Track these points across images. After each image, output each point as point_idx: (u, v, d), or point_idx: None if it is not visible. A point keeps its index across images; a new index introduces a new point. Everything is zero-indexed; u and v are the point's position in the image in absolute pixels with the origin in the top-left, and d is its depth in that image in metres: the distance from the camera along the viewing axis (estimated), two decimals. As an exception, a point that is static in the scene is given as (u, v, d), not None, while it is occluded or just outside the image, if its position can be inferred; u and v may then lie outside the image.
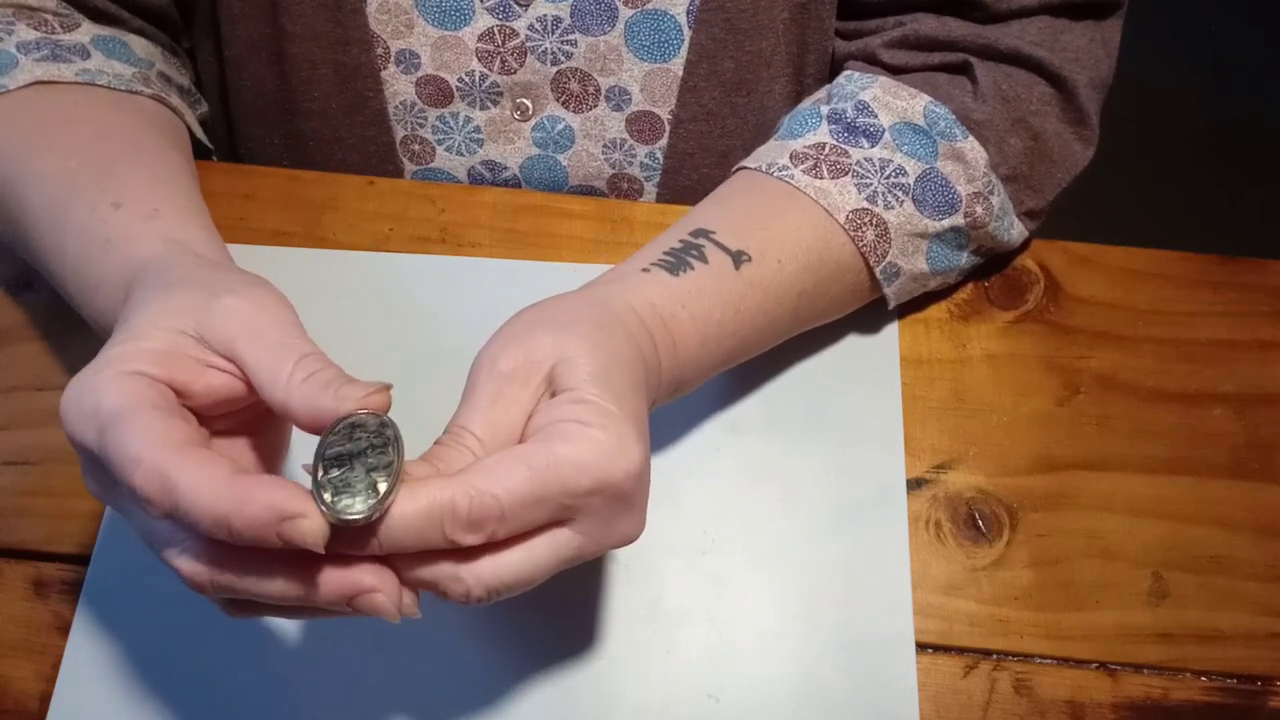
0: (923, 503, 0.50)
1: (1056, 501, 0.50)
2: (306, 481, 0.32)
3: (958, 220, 0.50)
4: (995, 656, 0.46)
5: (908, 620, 0.47)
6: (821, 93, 0.54)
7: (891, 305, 0.51)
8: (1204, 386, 0.53)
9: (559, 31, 0.56)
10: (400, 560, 0.33)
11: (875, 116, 0.50)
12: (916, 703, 0.45)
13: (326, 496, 0.31)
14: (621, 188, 0.62)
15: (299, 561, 0.32)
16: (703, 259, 0.45)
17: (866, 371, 0.52)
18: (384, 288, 0.54)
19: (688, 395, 0.46)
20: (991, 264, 0.55)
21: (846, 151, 0.49)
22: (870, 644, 0.46)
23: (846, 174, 0.49)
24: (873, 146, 0.49)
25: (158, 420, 0.32)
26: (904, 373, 0.53)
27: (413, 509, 0.32)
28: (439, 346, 0.53)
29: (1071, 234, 0.57)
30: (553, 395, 0.36)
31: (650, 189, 0.62)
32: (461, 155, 0.61)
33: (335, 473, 0.32)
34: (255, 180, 0.58)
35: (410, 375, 0.51)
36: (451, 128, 0.60)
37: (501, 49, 0.57)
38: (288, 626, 0.47)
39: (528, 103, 0.59)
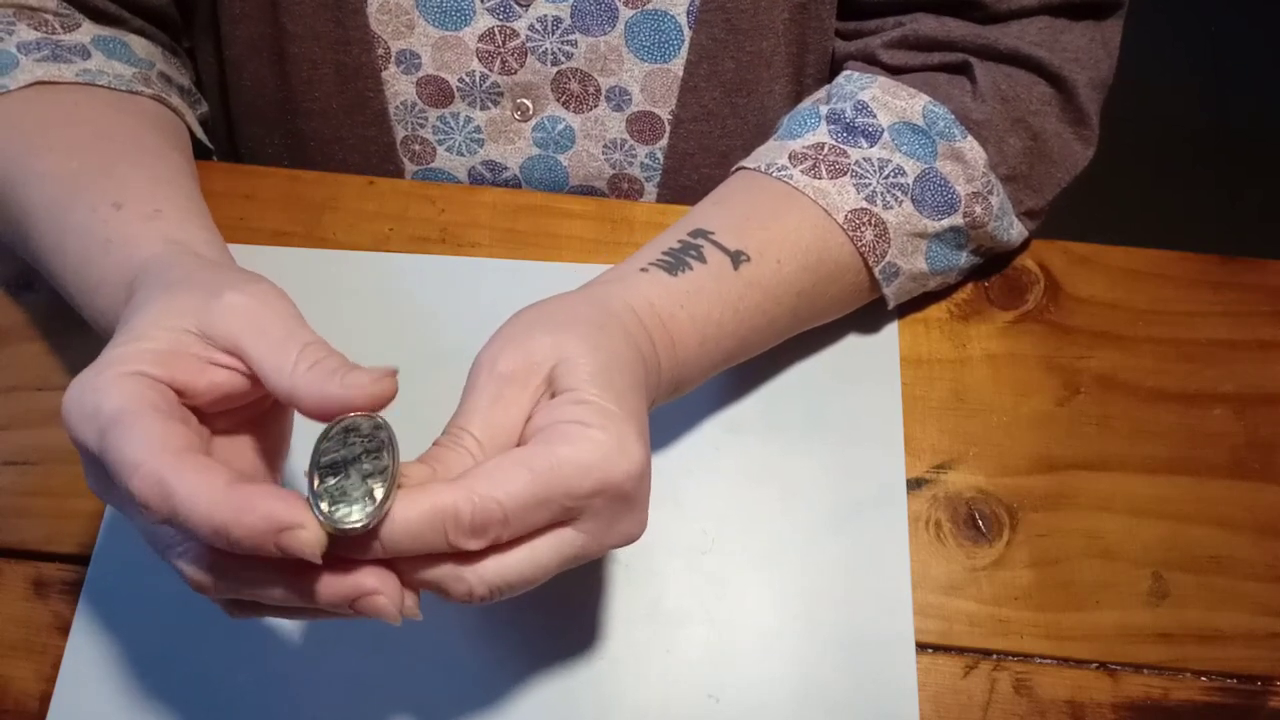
0: (923, 503, 0.50)
1: (1056, 501, 0.50)
2: (305, 485, 0.32)
3: (957, 220, 0.50)
4: (995, 656, 0.46)
5: (908, 620, 0.47)
6: (821, 93, 0.54)
7: (891, 305, 0.51)
8: (1204, 386, 0.53)
9: (559, 32, 0.56)
10: (403, 562, 0.34)
11: (874, 116, 0.50)
12: (916, 703, 0.45)
13: (323, 506, 0.31)
14: (622, 188, 0.62)
15: (300, 565, 0.32)
16: (701, 259, 0.45)
17: (866, 371, 0.52)
18: (384, 288, 0.54)
19: (687, 395, 0.46)
20: (991, 264, 0.55)
21: (845, 151, 0.49)
22: (870, 644, 0.46)
23: (845, 174, 0.49)
24: (871, 146, 0.49)
25: (157, 424, 0.32)
26: (904, 373, 0.53)
27: (415, 515, 0.32)
28: (439, 346, 0.53)
29: (1071, 234, 0.57)
30: (552, 396, 0.36)
31: (650, 189, 0.62)
32: (462, 155, 0.61)
33: (331, 481, 0.32)
34: (255, 180, 0.58)
35: (410, 375, 0.51)
36: (452, 128, 0.60)
37: (502, 49, 0.57)
38: (288, 626, 0.47)
39: (528, 103, 0.59)
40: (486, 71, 0.57)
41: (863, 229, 0.48)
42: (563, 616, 0.47)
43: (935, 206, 0.49)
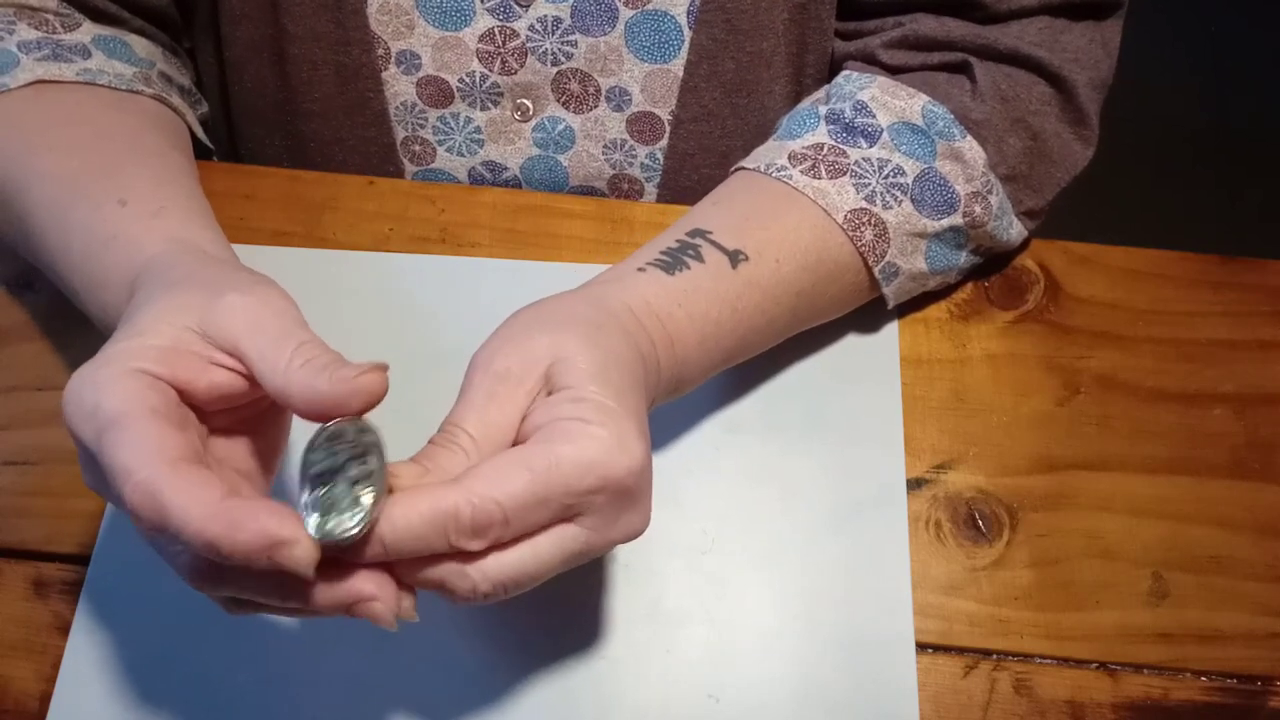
0: (923, 503, 0.50)
1: (1056, 501, 0.50)
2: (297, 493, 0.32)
3: (956, 220, 0.50)
4: (995, 656, 0.46)
5: (908, 620, 0.47)
6: (820, 93, 0.54)
7: (890, 305, 0.51)
8: (1204, 386, 0.53)
9: (559, 32, 0.56)
10: (406, 562, 0.34)
11: (873, 116, 0.50)
12: (916, 703, 0.45)
13: (314, 518, 0.31)
14: (622, 188, 0.62)
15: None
16: (699, 258, 0.45)
17: (866, 371, 0.52)
18: (384, 288, 0.54)
19: (687, 395, 0.46)
20: (991, 264, 0.55)
21: (845, 151, 0.49)
22: (870, 644, 0.46)
23: (845, 174, 0.49)
24: (871, 146, 0.49)
25: (154, 430, 0.32)
26: (904, 373, 0.53)
27: (416, 517, 0.32)
28: (439, 346, 0.53)
29: (1071, 234, 0.57)
30: (550, 394, 0.36)
31: (650, 189, 0.62)
32: (462, 156, 0.61)
33: (320, 491, 0.32)
34: (255, 180, 0.58)
35: (410, 375, 0.51)
36: (452, 128, 0.60)
37: (502, 49, 0.57)
38: (288, 626, 0.47)
39: (528, 103, 0.59)
40: (486, 72, 0.57)
41: (862, 229, 0.48)
42: (563, 616, 0.47)
43: (935, 206, 0.49)
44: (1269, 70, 1.64)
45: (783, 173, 0.49)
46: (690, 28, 0.55)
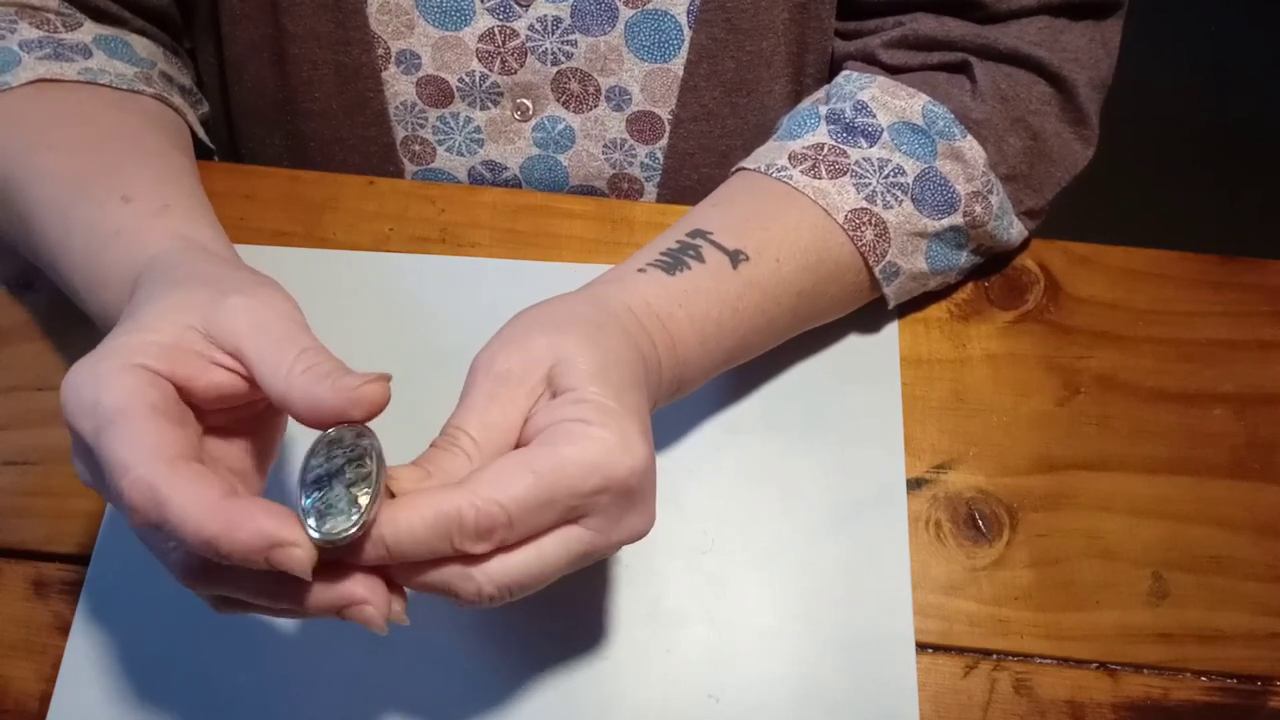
0: (923, 503, 0.50)
1: (1056, 501, 0.50)
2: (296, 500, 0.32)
3: (957, 219, 0.50)
4: (995, 656, 0.46)
5: (908, 620, 0.47)
6: (820, 93, 0.54)
7: (891, 305, 0.51)
8: (1204, 386, 0.53)
9: (559, 32, 0.56)
10: (410, 565, 0.34)
11: (874, 116, 0.50)
12: (916, 703, 0.45)
13: (312, 521, 0.31)
14: (622, 188, 0.62)
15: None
16: (700, 259, 0.45)
17: (866, 371, 0.52)
18: (384, 288, 0.54)
19: (688, 395, 0.46)
20: (991, 264, 0.55)
21: (845, 151, 0.49)
22: (870, 644, 0.46)
23: (845, 174, 0.49)
24: (871, 146, 0.49)
25: (153, 427, 0.32)
26: (904, 373, 0.53)
27: (419, 521, 0.32)
28: (439, 346, 0.53)
29: (1071, 234, 0.57)
30: (553, 396, 0.36)
31: (650, 189, 0.62)
32: (462, 155, 0.61)
33: (317, 495, 0.32)
34: (255, 180, 0.58)
35: (410, 375, 0.51)
36: (452, 128, 0.60)
37: (502, 49, 0.57)
38: (288, 627, 0.47)
39: (528, 103, 0.59)
40: (486, 71, 0.57)
41: (863, 228, 0.48)
42: (563, 617, 0.47)
43: (935, 206, 0.49)
44: (1269, 70, 1.64)
45: (783, 173, 0.49)
46: (690, 27, 0.55)
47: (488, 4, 0.55)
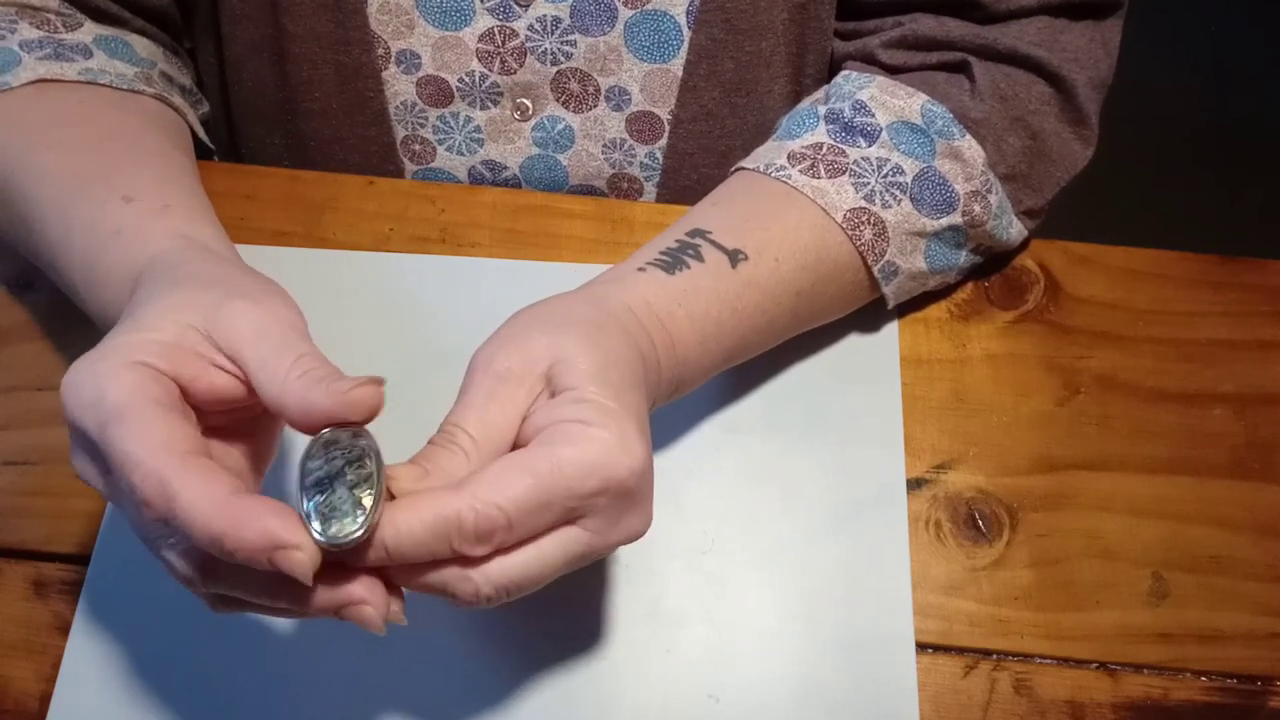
0: (923, 503, 0.50)
1: (1056, 501, 0.50)
2: (296, 504, 0.32)
3: (956, 219, 0.50)
4: (995, 656, 0.46)
5: (908, 620, 0.47)
6: (819, 93, 0.54)
7: (890, 304, 0.51)
8: (1204, 386, 0.53)
9: (559, 32, 0.56)
10: (409, 566, 0.34)
11: (873, 116, 0.50)
12: (916, 703, 0.45)
13: (316, 525, 0.31)
14: (621, 188, 0.62)
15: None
16: (699, 258, 0.45)
17: (866, 371, 0.52)
18: (384, 288, 0.54)
19: (687, 395, 0.46)
20: (991, 264, 0.55)
21: (844, 151, 0.49)
22: (870, 644, 0.46)
23: (844, 173, 0.49)
24: (870, 146, 0.49)
25: (160, 420, 0.32)
26: (904, 373, 0.53)
27: (419, 524, 0.32)
28: (439, 346, 0.53)
29: (1071, 234, 0.57)
30: (552, 395, 0.36)
31: (650, 189, 0.62)
32: (462, 155, 0.61)
33: (319, 498, 0.32)
34: (255, 180, 0.58)
35: (410, 375, 0.51)
36: (452, 128, 0.60)
37: (501, 49, 0.57)
38: (288, 627, 0.47)
39: (528, 103, 0.59)
40: (486, 71, 0.57)
41: (861, 228, 0.48)
42: (563, 617, 0.47)
43: (934, 205, 0.49)
44: (1269, 70, 1.64)
45: (782, 172, 0.49)
46: (689, 27, 0.55)
47: (487, 4, 0.55)
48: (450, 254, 0.56)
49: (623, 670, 0.46)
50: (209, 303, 0.35)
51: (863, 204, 0.48)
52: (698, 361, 0.44)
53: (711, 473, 0.50)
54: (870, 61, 0.54)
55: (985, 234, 0.51)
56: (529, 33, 0.56)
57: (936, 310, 0.55)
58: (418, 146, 0.60)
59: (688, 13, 0.55)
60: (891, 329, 0.54)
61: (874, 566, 0.48)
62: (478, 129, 0.60)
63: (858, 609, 0.47)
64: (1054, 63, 0.50)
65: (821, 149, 0.49)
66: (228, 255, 0.42)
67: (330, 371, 0.33)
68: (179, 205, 0.43)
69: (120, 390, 0.32)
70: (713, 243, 0.46)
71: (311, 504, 0.32)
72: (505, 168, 0.61)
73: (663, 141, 0.59)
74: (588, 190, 0.62)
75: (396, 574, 0.34)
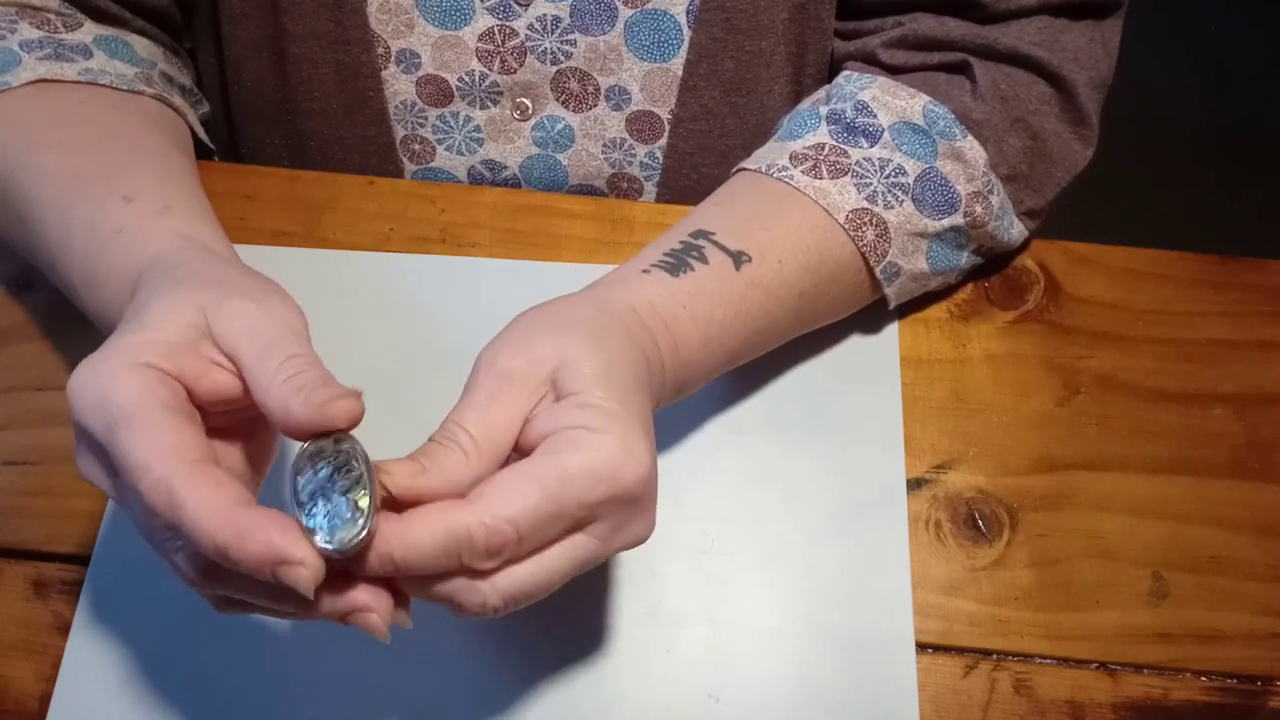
0: (923, 503, 0.50)
1: (1056, 501, 0.50)
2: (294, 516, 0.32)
3: (957, 220, 0.50)
4: (995, 656, 0.46)
5: (908, 620, 0.47)
6: (820, 93, 0.54)
7: (892, 305, 0.51)
8: (1204, 386, 0.53)
9: (559, 31, 0.56)
10: (416, 578, 0.34)
11: (874, 116, 0.50)
12: (916, 703, 0.45)
13: (321, 537, 0.31)
14: (621, 187, 0.62)
15: None
16: (703, 260, 0.45)
17: (867, 372, 0.52)
18: (384, 288, 0.54)
19: (689, 396, 0.46)
20: (991, 264, 0.55)
21: (846, 151, 0.49)
22: (870, 644, 0.46)
23: (846, 174, 0.49)
24: (872, 146, 0.49)
25: (169, 425, 0.32)
26: (904, 373, 0.53)
27: (428, 541, 0.32)
28: (439, 346, 0.53)
29: (1071, 234, 0.57)
30: (556, 399, 0.36)
31: (650, 188, 0.62)
32: (462, 155, 0.61)
33: (318, 510, 0.32)
34: (255, 180, 0.58)
35: (410, 375, 0.51)
36: (451, 127, 0.60)
37: (501, 49, 0.57)
38: (288, 628, 0.47)
39: (528, 102, 0.59)
40: (486, 71, 0.57)
41: (864, 229, 0.48)
42: (563, 617, 0.47)
43: (936, 206, 0.49)
44: (1269, 70, 1.64)
45: (784, 173, 0.49)
46: (690, 27, 0.55)
47: (487, 3, 0.55)
48: (450, 254, 0.56)
49: (623, 670, 0.46)
50: (209, 301, 0.35)
51: (865, 205, 0.48)
52: (701, 363, 0.44)
53: (712, 473, 0.50)
54: (871, 61, 0.54)
55: (987, 235, 0.51)
56: (529, 32, 0.56)
57: (937, 310, 0.55)
58: (417, 146, 0.60)
59: (688, 12, 0.55)
60: (892, 329, 0.54)
61: (874, 566, 0.48)
62: (477, 128, 0.60)
63: (858, 609, 0.47)
64: (1054, 63, 0.50)
65: (823, 149, 0.49)
66: (228, 256, 0.42)
67: (315, 377, 0.33)
68: (180, 206, 0.43)
69: (128, 393, 0.32)
70: (716, 244, 0.46)
71: (312, 516, 0.32)
72: (505, 167, 0.61)
73: (663, 141, 0.59)
74: (588, 190, 0.62)
75: (403, 583, 0.34)
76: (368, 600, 0.33)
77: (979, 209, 0.50)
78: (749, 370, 0.50)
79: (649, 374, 0.39)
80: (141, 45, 0.55)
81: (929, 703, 0.45)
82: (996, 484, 0.50)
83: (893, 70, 0.53)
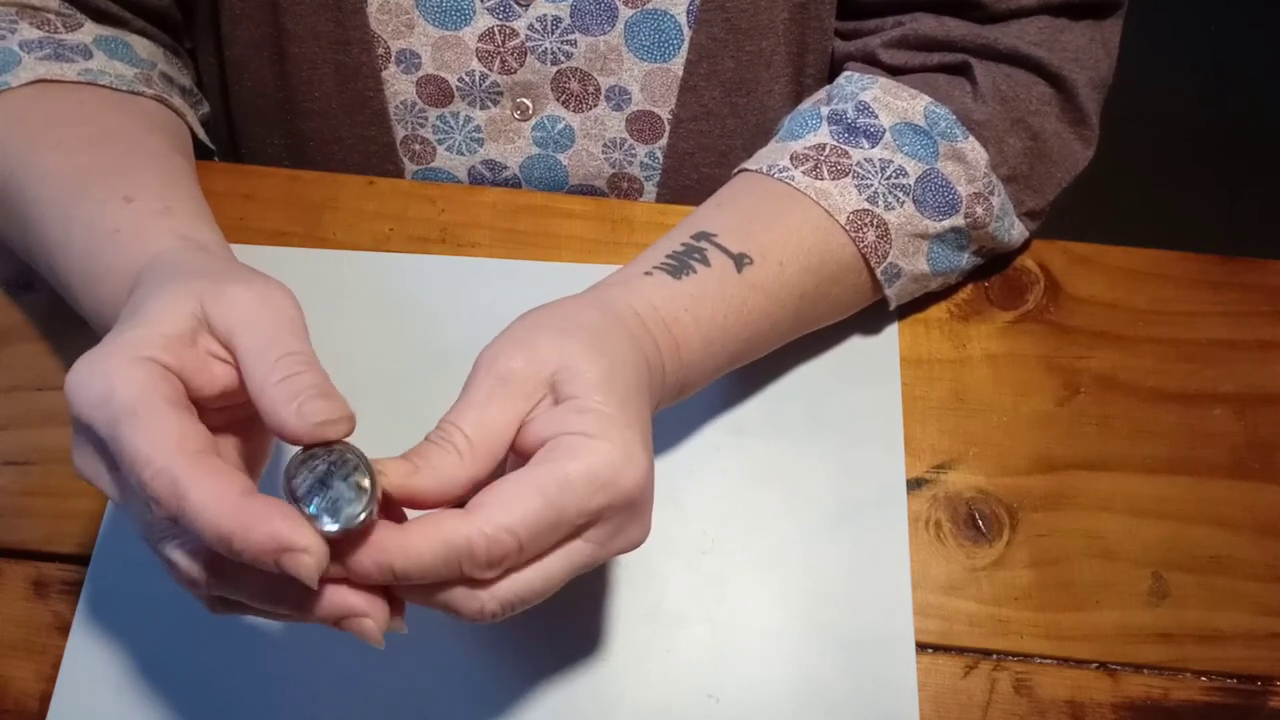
0: (923, 503, 0.50)
1: (1056, 501, 0.50)
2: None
3: (958, 221, 0.50)
4: (995, 656, 0.46)
5: (908, 620, 0.47)
6: (821, 93, 0.54)
7: (893, 306, 0.51)
8: (1204, 386, 0.53)
9: (559, 31, 0.56)
10: (415, 586, 0.34)
11: (876, 117, 0.50)
12: (916, 703, 0.45)
13: (326, 520, 0.32)
14: (621, 187, 0.62)
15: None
16: (705, 262, 0.45)
17: (867, 372, 0.52)
18: (384, 288, 0.54)
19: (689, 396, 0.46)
20: (991, 264, 0.55)
21: (847, 152, 0.49)
22: (870, 644, 0.46)
23: (847, 175, 0.49)
24: (873, 147, 0.49)
25: (173, 418, 0.32)
26: (904, 373, 0.53)
27: (429, 552, 0.32)
28: (439, 346, 0.53)
29: (1071, 234, 0.57)
30: (555, 402, 0.36)
31: (650, 189, 0.62)
32: (462, 155, 0.61)
33: (320, 499, 0.32)
34: (255, 180, 0.58)
35: (410, 375, 0.51)
36: (452, 127, 0.60)
37: (501, 49, 0.57)
38: (288, 628, 0.47)
39: (528, 102, 0.59)
40: (486, 71, 0.57)
41: (865, 230, 0.48)
42: (563, 617, 0.47)
43: (937, 207, 0.49)
44: (1269, 70, 1.64)
45: (785, 174, 0.49)
46: (690, 27, 0.55)
47: (487, 3, 0.55)
48: (450, 254, 0.56)
49: (623, 671, 0.46)
50: (206, 290, 0.35)
51: (866, 206, 0.48)
52: (702, 365, 0.44)
53: (711, 473, 0.50)
54: (871, 61, 0.54)
55: (987, 236, 0.51)
56: (529, 32, 0.56)
57: (937, 310, 0.55)
58: (418, 146, 0.60)
59: (688, 12, 0.55)
60: (892, 329, 0.54)
61: (874, 566, 0.48)
62: (478, 129, 0.60)
63: (858, 609, 0.47)
64: (1054, 63, 0.50)
65: (824, 150, 0.49)
66: (226, 258, 0.42)
67: (310, 382, 0.33)
68: (180, 207, 0.43)
69: (130, 387, 0.32)
70: (718, 246, 0.46)
71: (314, 508, 0.32)
72: (505, 167, 0.61)
73: (663, 141, 0.59)
74: (588, 190, 0.62)
75: (402, 592, 0.34)
76: (363, 605, 0.33)
77: (980, 210, 0.50)
78: (749, 371, 0.50)
79: (650, 376, 0.39)
80: (141, 46, 0.55)
81: (929, 703, 0.45)
82: (996, 484, 0.50)
83: (893, 70, 0.53)
